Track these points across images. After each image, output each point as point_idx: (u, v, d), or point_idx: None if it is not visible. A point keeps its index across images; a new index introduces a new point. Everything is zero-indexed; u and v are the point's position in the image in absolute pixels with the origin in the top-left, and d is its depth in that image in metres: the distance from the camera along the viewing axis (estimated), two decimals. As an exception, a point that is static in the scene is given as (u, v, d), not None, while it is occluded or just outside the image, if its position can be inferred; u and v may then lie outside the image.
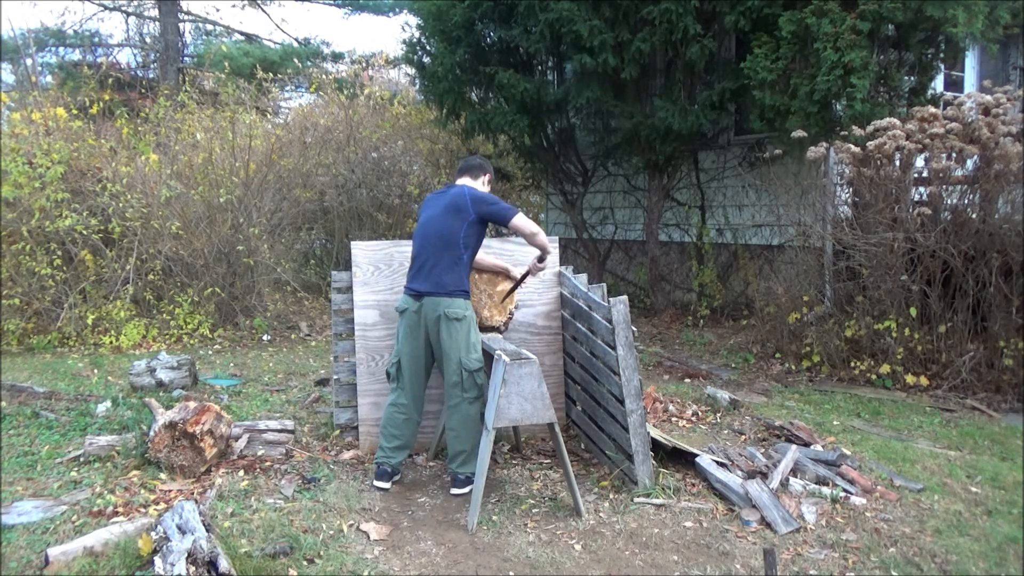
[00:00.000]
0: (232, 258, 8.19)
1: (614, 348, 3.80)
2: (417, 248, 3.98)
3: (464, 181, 4.10)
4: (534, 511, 3.67)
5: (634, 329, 3.90)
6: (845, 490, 3.76)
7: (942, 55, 6.76)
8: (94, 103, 9.02)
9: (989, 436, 4.72)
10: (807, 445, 4.36)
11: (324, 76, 13.57)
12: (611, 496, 3.79)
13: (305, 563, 3.11)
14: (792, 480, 3.82)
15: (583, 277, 4.67)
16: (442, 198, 4.01)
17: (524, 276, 4.29)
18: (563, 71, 9.41)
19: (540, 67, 9.37)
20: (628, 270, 10.15)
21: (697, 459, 4.00)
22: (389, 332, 4.49)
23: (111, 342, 7.45)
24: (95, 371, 6.48)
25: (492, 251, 4.71)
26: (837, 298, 6.46)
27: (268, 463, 4.19)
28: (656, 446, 4.00)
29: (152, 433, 3.99)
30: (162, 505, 3.59)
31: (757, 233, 8.41)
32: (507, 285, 4.30)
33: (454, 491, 3.88)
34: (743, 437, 4.71)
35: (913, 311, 5.70)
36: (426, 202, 4.12)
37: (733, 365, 6.68)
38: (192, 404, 4.14)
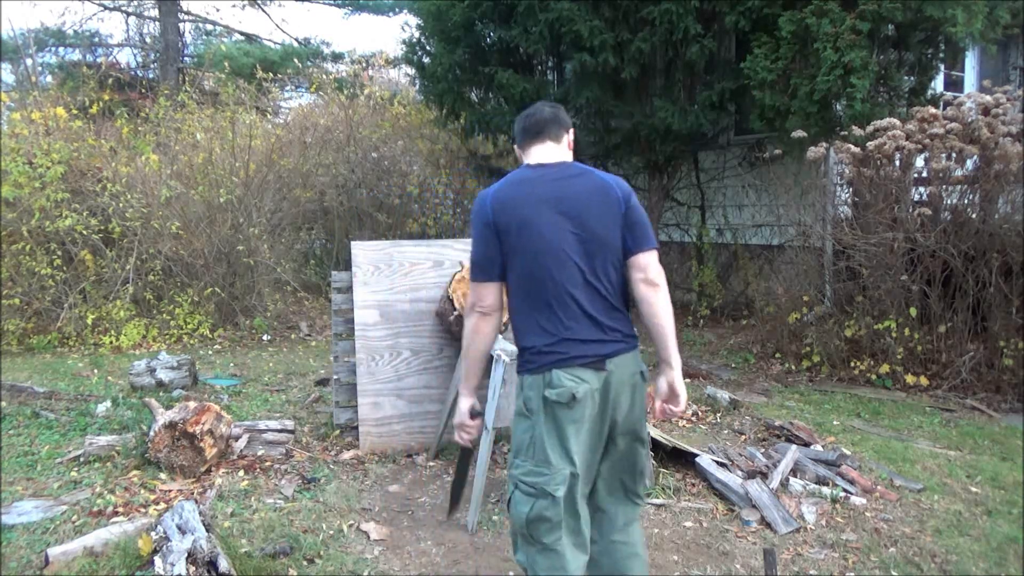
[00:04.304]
0: (232, 258, 8.19)
1: (614, 348, 3.80)
2: (568, 274, 2.28)
3: (548, 149, 2.44)
4: (534, 511, 3.66)
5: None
6: (845, 490, 3.76)
7: (942, 55, 6.76)
8: (94, 103, 9.02)
9: (989, 436, 4.72)
10: (807, 445, 4.36)
11: (324, 76, 13.58)
12: (611, 496, 3.79)
13: (305, 563, 3.11)
14: (792, 480, 3.82)
15: (583, 277, 4.66)
16: (573, 180, 2.36)
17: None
18: (563, 71, 9.41)
19: (540, 67, 9.38)
20: (628, 270, 10.14)
21: (697, 459, 3.99)
22: (389, 332, 4.49)
23: (111, 342, 7.45)
24: (95, 371, 6.48)
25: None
26: (837, 298, 6.46)
27: (268, 463, 4.19)
28: (656, 446, 4.00)
29: (152, 433, 4.00)
30: (162, 505, 3.59)
31: (757, 233, 8.41)
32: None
33: None
34: (743, 437, 4.71)
35: (913, 311, 5.70)
36: (528, 188, 2.34)
37: (733, 365, 6.68)
38: (192, 404, 4.14)
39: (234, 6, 23.37)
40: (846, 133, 6.05)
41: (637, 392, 2.36)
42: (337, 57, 17.47)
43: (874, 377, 5.84)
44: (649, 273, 2.33)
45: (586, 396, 2.23)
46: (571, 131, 2.51)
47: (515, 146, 2.56)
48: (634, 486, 2.43)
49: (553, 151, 2.43)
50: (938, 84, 7.47)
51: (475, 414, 2.43)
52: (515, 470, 2.28)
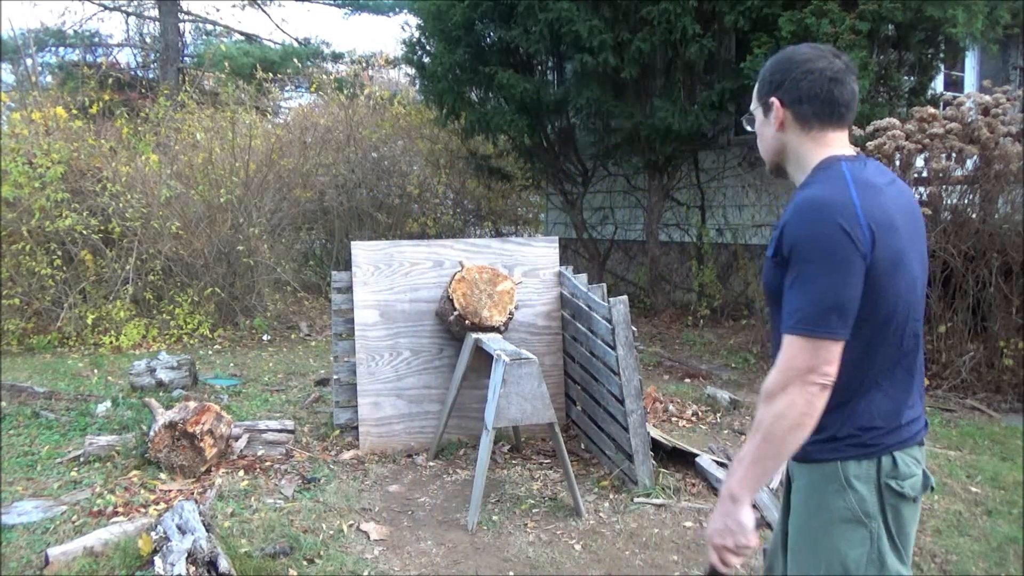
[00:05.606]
0: (232, 258, 8.19)
1: (614, 348, 3.81)
2: (917, 326, 1.64)
3: (845, 140, 1.66)
4: (534, 511, 3.67)
5: (634, 329, 3.90)
6: (845, 490, 3.76)
7: (942, 55, 6.76)
8: (94, 103, 9.02)
9: (989, 436, 4.72)
10: (807, 445, 4.36)
11: (324, 76, 13.58)
12: (611, 496, 3.79)
13: (305, 563, 3.11)
14: (792, 480, 3.81)
15: (583, 277, 4.67)
16: (893, 189, 1.61)
17: None
18: (563, 71, 9.42)
19: (540, 67, 9.38)
20: (628, 270, 10.15)
21: (697, 459, 4.00)
22: (389, 332, 4.49)
23: (111, 342, 7.45)
24: (95, 371, 6.47)
25: (492, 251, 4.72)
26: (837, 298, 6.45)
27: (268, 463, 4.19)
28: (656, 446, 4.00)
29: (152, 433, 4.00)
30: (162, 505, 3.59)
31: (757, 233, 8.41)
32: (507, 285, 4.30)
33: None
34: (743, 437, 4.71)
35: (913, 311, 5.70)
36: (884, 200, 1.55)
37: (733, 365, 6.68)
38: (192, 404, 4.14)
39: (234, 6, 23.39)
40: (846, 133, 6.05)
41: None
42: (337, 57, 17.48)
43: (874, 377, 5.83)
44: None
45: (925, 485, 1.64)
46: None
47: (780, 105, 1.64)
48: None
49: (847, 144, 1.66)
50: (938, 84, 7.47)
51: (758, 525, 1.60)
52: None
